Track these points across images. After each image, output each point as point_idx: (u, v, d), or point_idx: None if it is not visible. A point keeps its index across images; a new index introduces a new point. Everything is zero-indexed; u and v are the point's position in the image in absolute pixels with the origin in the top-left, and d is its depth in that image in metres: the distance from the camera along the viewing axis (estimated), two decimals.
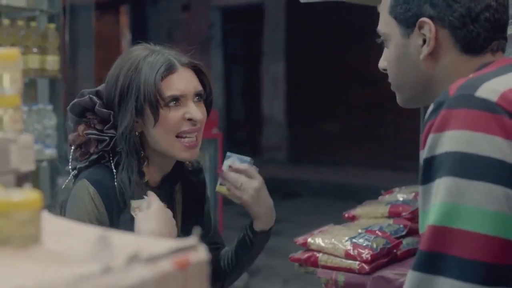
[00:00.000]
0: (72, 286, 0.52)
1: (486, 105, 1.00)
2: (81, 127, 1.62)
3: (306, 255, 1.93)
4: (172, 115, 1.59)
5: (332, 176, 9.69)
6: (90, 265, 0.54)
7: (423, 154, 1.05)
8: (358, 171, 9.69)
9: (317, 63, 11.08)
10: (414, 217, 2.07)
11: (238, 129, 12.23)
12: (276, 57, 11.68)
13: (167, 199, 1.66)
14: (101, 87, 1.68)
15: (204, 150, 5.97)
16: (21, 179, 0.71)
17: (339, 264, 1.86)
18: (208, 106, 1.72)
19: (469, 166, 0.99)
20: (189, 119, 1.61)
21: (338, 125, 10.88)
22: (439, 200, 1.01)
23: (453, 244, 0.98)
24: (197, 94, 1.65)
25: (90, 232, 0.63)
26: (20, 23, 3.80)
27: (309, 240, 1.93)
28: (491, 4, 1.19)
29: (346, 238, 1.88)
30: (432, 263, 1.00)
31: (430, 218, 1.02)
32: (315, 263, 1.91)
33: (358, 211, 2.20)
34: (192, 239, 0.59)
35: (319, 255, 1.90)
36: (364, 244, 1.84)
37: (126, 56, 1.65)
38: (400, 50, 1.26)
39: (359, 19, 10.18)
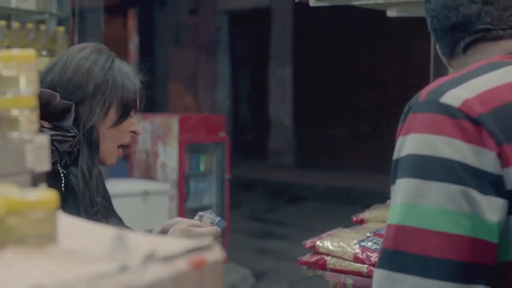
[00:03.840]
0: (89, 284, 0.52)
1: (447, 110, 1.03)
2: None
3: (315, 258, 1.93)
4: (125, 124, 1.66)
5: (338, 180, 9.69)
6: (107, 264, 0.54)
7: (393, 156, 1.10)
8: (365, 175, 9.69)
9: (324, 67, 11.09)
10: None
11: (245, 132, 12.24)
12: (283, 61, 11.69)
13: None
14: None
15: (211, 154, 5.98)
16: (36, 179, 0.72)
17: (348, 267, 1.86)
18: None
19: (428, 168, 1.02)
20: (132, 131, 1.68)
21: (345, 129, 10.88)
22: (399, 201, 1.05)
23: (415, 242, 1.02)
24: None
25: (106, 232, 0.64)
26: (30, 26, 3.82)
27: (318, 243, 1.93)
28: None
29: (355, 241, 1.88)
30: (396, 261, 1.03)
31: (390, 217, 1.06)
32: (323, 266, 1.91)
33: (366, 214, 2.20)
34: (207, 239, 0.59)
35: (328, 258, 1.90)
36: (372, 248, 1.84)
37: (96, 49, 1.67)
38: None
39: (366, 23, 10.19)
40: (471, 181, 1.00)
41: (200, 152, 5.90)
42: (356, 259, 1.84)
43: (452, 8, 1.22)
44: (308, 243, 1.97)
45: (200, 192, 5.97)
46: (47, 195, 0.62)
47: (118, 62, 1.67)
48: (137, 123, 1.70)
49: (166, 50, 12.53)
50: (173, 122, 5.65)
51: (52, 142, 1.52)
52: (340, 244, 1.89)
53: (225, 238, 5.89)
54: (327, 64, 11.05)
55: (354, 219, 2.22)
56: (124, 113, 1.65)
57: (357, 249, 1.85)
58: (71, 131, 1.56)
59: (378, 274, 1.06)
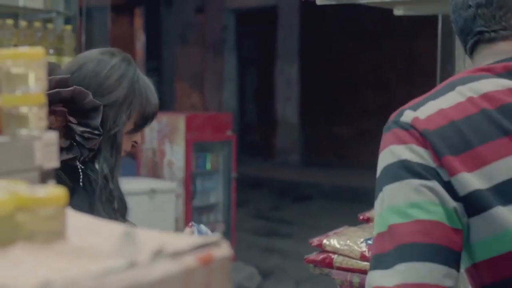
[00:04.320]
0: (98, 280, 0.52)
1: (403, 126, 1.17)
2: (51, 118, 1.55)
3: (321, 256, 1.93)
4: (135, 134, 1.75)
5: (345, 179, 9.68)
6: (115, 260, 0.55)
7: None
8: (370, 174, 9.65)
9: (331, 65, 11.07)
10: None
11: (251, 131, 12.24)
12: (289, 60, 11.68)
13: None
14: (65, 73, 1.62)
15: (218, 152, 5.99)
16: (45, 176, 0.72)
17: (354, 265, 1.86)
18: None
19: (395, 172, 1.15)
20: (134, 141, 1.75)
21: (351, 128, 10.87)
22: (384, 209, 1.15)
23: (394, 237, 1.11)
24: None
25: (114, 229, 0.64)
26: (37, 24, 3.83)
27: (324, 241, 1.93)
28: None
29: (361, 239, 1.88)
30: (381, 260, 1.13)
31: (375, 228, 1.17)
32: (330, 265, 1.91)
33: (372, 213, 2.20)
34: (215, 236, 0.59)
35: (334, 256, 1.90)
36: None
37: (126, 58, 1.72)
38: None
39: (373, 22, 10.17)
40: (432, 177, 1.11)
41: (206, 150, 5.91)
42: (363, 258, 1.84)
43: (457, 13, 1.28)
44: (314, 241, 1.97)
45: (207, 190, 5.98)
46: (55, 191, 0.63)
47: (141, 74, 1.74)
48: (140, 134, 1.78)
49: (173, 49, 12.54)
50: (179, 121, 5.66)
51: (77, 137, 1.57)
52: (346, 243, 1.89)
53: (231, 236, 5.90)
54: (333, 62, 11.04)
55: (361, 217, 2.22)
56: (142, 124, 1.73)
57: (363, 247, 1.85)
58: (98, 130, 1.59)
59: (368, 276, 1.15)
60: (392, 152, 1.17)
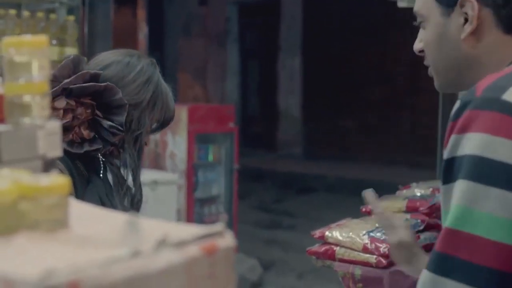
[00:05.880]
0: (101, 268, 0.52)
1: (510, 109, 0.98)
2: (80, 110, 1.57)
3: (323, 248, 1.93)
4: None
5: (347, 171, 9.67)
6: (119, 249, 0.55)
7: (445, 154, 1.05)
8: (374, 167, 9.67)
9: (334, 58, 11.06)
10: (431, 212, 2.06)
11: (254, 123, 12.23)
12: (292, 52, 11.66)
13: None
14: (91, 69, 1.64)
15: (220, 144, 5.98)
16: (48, 165, 0.72)
17: (357, 257, 1.85)
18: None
19: (486, 171, 0.98)
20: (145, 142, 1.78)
21: (354, 121, 10.86)
22: (454, 203, 1.01)
23: (464, 248, 0.99)
24: None
25: (118, 217, 0.64)
26: (40, 15, 3.82)
27: (327, 233, 1.93)
28: None
29: (364, 232, 1.88)
30: (443, 264, 1.01)
31: (446, 220, 1.03)
32: (332, 257, 1.91)
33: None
34: (219, 226, 0.59)
35: (336, 248, 1.90)
36: (381, 238, 1.83)
37: (152, 62, 1.76)
38: (440, 30, 1.21)
39: (377, 15, 10.15)
40: None
41: (209, 142, 5.91)
42: (365, 250, 1.84)
43: None
44: (317, 233, 1.96)
45: (209, 182, 5.98)
46: (58, 180, 0.62)
47: (162, 79, 1.77)
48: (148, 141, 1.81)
49: (176, 40, 12.53)
50: (182, 112, 5.66)
51: (102, 130, 1.60)
52: (349, 235, 1.89)
53: (233, 228, 5.90)
54: (336, 55, 11.02)
55: (363, 209, 2.22)
56: (159, 128, 1.78)
57: (366, 240, 1.85)
58: (121, 127, 1.63)
59: (424, 275, 1.04)
60: (488, 144, 0.97)
